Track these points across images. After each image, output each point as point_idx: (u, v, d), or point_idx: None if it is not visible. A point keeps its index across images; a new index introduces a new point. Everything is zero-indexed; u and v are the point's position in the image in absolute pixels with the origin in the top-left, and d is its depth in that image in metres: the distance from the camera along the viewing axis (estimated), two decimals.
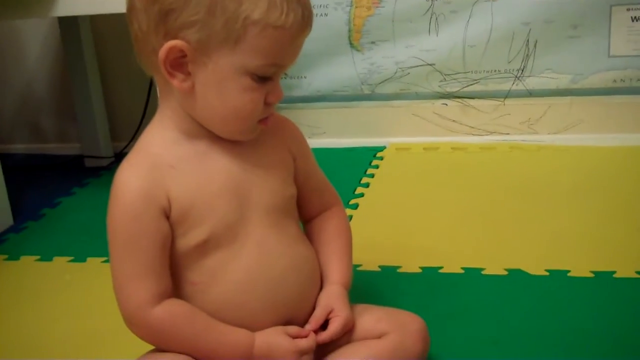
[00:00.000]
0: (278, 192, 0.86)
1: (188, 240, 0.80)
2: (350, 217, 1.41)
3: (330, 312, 0.85)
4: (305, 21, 0.78)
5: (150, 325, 0.78)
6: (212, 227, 0.80)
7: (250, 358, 0.79)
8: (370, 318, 0.88)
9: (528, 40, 1.73)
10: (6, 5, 1.32)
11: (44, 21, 1.91)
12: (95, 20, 1.83)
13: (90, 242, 1.37)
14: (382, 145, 1.84)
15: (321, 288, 0.89)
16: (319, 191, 0.95)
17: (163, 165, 0.80)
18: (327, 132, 1.88)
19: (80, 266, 1.29)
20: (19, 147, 2.05)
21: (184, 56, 0.76)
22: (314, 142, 1.85)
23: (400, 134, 1.85)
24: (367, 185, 1.59)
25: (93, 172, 1.84)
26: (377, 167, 1.71)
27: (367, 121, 1.86)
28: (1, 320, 1.13)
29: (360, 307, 0.90)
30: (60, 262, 1.31)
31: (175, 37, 0.75)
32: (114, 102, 1.93)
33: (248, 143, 0.84)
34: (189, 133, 0.82)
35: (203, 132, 0.82)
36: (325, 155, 1.82)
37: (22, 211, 1.57)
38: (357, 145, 1.85)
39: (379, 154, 1.79)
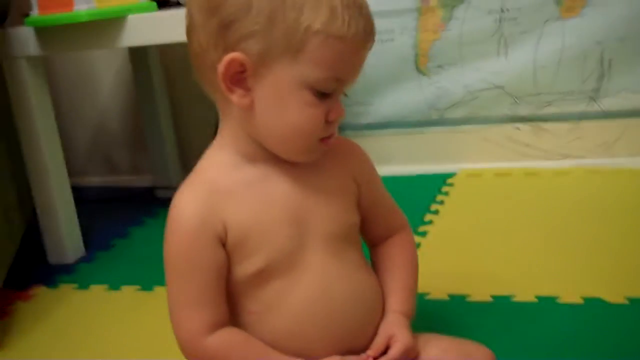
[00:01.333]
0: (339, 220, 0.83)
1: (245, 268, 0.79)
2: (419, 244, 1.38)
3: (390, 339, 0.82)
4: (367, 33, 0.76)
5: (206, 354, 0.76)
6: (270, 255, 0.79)
7: None
8: (436, 348, 0.85)
9: (602, 60, 1.66)
10: (76, 37, 1.36)
11: (116, 55, 1.95)
12: (165, 53, 1.87)
13: (158, 271, 1.36)
14: (452, 171, 1.79)
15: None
16: (385, 217, 0.92)
17: (220, 191, 0.79)
18: (395, 159, 1.85)
19: (147, 295, 1.29)
20: (93, 180, 2.10)
21: (244, 71, 0.75)
22: (381, 170, 1.81)
23: (470, 159, 1.80)
24: (436, 212, 1.56)
25: (164, 202, 1.83)
26: (446, 194, 1.67)
27: (436, 147, 1.82)
28: (71, 347, 1.14)
29: (426, 337, 0.86)
30: (129, 291, 1.32)
31: (234, 50, 0.74)
32: (184, 132, 1.95)
33: (310, 167, 0.82)
34: (249, 156, 0.80)
35: (264, 155, 0.80)
36: (394, 183, 1.77)
37: (94, 242, 1.59)
38: (426, 172, 1.81)
39: (448, 181, 1.75)
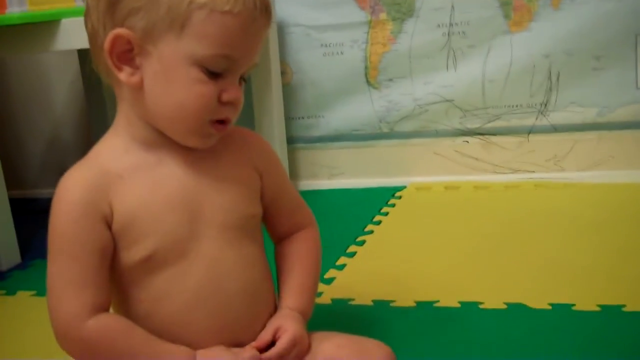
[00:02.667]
0: (236, 210, 0.81)
1: (133, 254, 0.76)
2: (354, 253, 1.36)
3: (278, 330, 0.80)
4: (257, 10, 0.74)
5: (83, 339, 0.73)
6: (158, 242, 0.76)
7: None
8: (331, 345, 0.82)
9: (550, 73, 1.66)
10: (9, 40, 1.35)
11: (69, 67, 1.94)
12: None
13: None
14: (402, 185, 1.78)
15: None
16: (290, 211, 0.89)
17: (109, 174, 0.76)
18: (345, 172, 1.84)
19: None
20: (45, 192, 2.07)
21: (131, 49, 0.74)
22: (332, 183, 1.85)
23: (420, 173, 1.79)
24: (378, 222, 1.54)
25: None
26: (393, 205, 1.65)
27: (387, 160, 1.81)
28: None
29: (322, 334, 0.84)
30: None
31: (121, 27, 0.73)
32: None
33: (207, 155, 0.80)
34: (142, 140, 0.78)
35: (158, 139, 0.78)
36: (343, 195, 1.80)
37: (33, 250, 1.57)
38: (376, 186, 1.80)
39: (397, 194, 1.73)
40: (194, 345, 0.77)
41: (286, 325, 0.80)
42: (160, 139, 0.78)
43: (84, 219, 0.74)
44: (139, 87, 0.75)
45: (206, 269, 0.78)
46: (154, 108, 0.76)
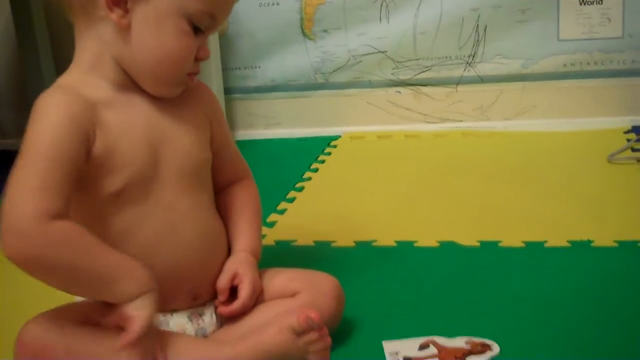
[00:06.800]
0: (193, 154, 0.85)
1: (106, 186, 0.78)
2: (294, 198, 1.42)
3: (234, 277, 0.85)
4: None
5: (46, 234, 0.71)
6: (130, 177, 0.79)
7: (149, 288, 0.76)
8: (283, 278, 0.88)
9: (477, 26, 1.74)
10: None
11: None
12: (49, 11, 1.84)
13: None
14: (337, 134, 1.84)
15: None
16: (232, 162, 0.95)
17: (90, 102, 0.77)
18: (282, 122, 1.88)
19: None
20: None
21: None
22: (268, 133, 1.89)
23: (354, 123, 1.85)
24: (316, 170, 1.59)
25: None
26: (329, 154, 1.71)
27: (322, 111, 1.86)
28: None
29: (272, 270, 0.90)
30: None
31: None
32: None
33: (166, 102, 0.83)
34: (112, 81, 0.80)
35: (127, 83, 0.81)
36: (280, 145, 1.84)
37: None
38: (312, 135, 1.85)
39: (332, 143, 1.79)
40: None
41: (242, 272, 0.85)
42: (128, 83, 0.81)
43: (67, 133, 0.74)
44: (126, 32, 0.78)
45: (163, 213, 0.82)
46: (139, 51, 0.79)
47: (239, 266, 0.86)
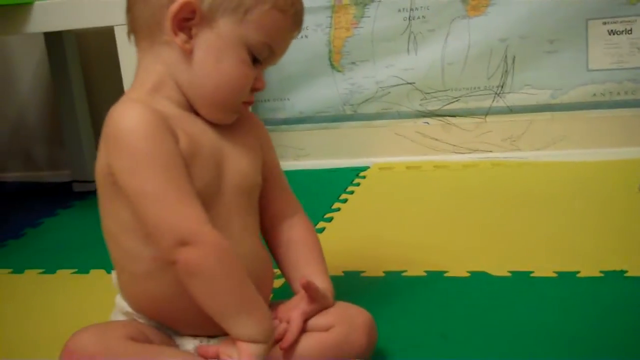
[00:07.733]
0: (250, 176, 0.87)
1: None
2: (323, 229, 1.42)
3: (306, 314, 0.87)
4: (299, 18, 0.85)
5: (213, 243, 0.76)
6: (200, 189, 0.79)
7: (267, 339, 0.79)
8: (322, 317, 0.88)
9: (506, 57, 1.74)
10: None
11: (35, 50, 1.96)
12: (82, 47, 1.88)
13: (65, 256, 1.39)
14: (365, 165, 1.85)
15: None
16: (282, 191, 0.96)
17: (164, 115, 0.79)
18: (310, 153, 1.89)
19: (52, 277, 1.30)
20: (12, 176, 2.09)
21: (192, 18, 0.79)
22: (297, 164, 1.90)
23: (383, 153, 1.85)
24: (345, 201, 1.60)
25: (80, 196, 1.86)
26: (358, 185, 1.71)
27: (350, 142, 1.87)
28: None
29: None
30: (31, 274, 1.32)
31: None
32: (102, 126, 1.95)
33: (225, 125, 0.86)
34: (175, 102, 0.82)
35: (187, 105, 0.83)
36: (308, 176, 1.85)
37: (5, 231, 1.59)
38: (341, 166, 1.86)
39: (361, 174, 1.79)
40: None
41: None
42: (188, 105, 0.83)
43: (161, 133, 0.76)
44: (189, 55, 0.80)
45: (221, 230, 0.80)
46: (198, 76, 0.81)
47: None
